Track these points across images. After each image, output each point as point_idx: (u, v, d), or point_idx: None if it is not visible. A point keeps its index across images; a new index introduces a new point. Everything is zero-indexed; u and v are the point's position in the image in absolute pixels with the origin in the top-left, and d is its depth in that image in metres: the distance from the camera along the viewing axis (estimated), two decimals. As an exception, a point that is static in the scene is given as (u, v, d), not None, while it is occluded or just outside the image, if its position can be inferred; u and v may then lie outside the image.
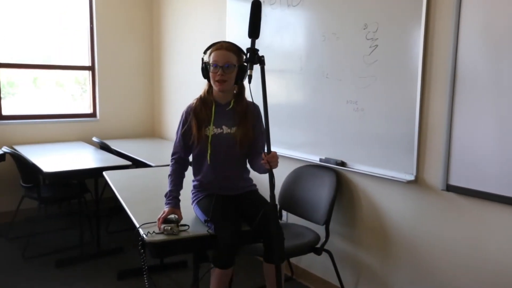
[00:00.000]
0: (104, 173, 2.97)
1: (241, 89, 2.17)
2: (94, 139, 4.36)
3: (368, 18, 2.43)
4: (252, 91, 1.83)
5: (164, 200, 2.06)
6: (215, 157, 2.12)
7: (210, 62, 2.06)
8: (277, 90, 3.00)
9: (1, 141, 4.14)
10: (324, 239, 2.65)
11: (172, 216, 1.95)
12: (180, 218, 1.97)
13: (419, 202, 2.32)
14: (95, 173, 3.30)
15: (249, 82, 1.75)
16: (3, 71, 4.30)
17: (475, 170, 2.01)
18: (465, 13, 1.99)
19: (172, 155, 2.20)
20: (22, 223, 3.94)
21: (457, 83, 2.05)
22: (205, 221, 2.02)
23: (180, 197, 2.10)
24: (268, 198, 2.18)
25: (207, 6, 4.00)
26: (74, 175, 3.44)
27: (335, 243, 2.81)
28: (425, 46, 2.19)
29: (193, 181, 2.24)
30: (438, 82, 2.16)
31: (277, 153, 1.86)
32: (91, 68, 4.75)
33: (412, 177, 2.30)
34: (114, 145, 4.12)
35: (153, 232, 1.88)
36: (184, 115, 2.17)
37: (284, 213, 3.04)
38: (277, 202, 2.88)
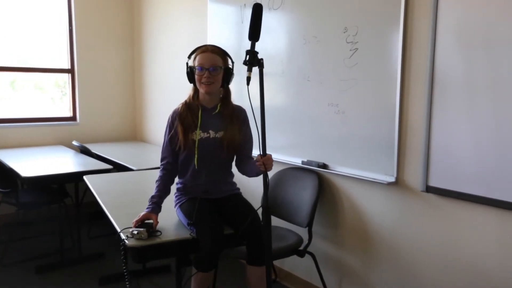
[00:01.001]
0: (84, 177, 2.94)
1: (227, 92, 2.17)
2: (74, 142, 4.29)
3: (348, 22, 2.46)
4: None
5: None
6: (202, 161, 2.11)
7: (196, 65, 2.06)
8: (257, 93, 2.99)
9: (-23, 146, 4.05)
10: (307, 242, 2.66)
11: (150, 221, 1.94)
12: (155, 224, 1.95)
13: (399, 203, 2.36)
14: (75, 177, 3.26)
15: (247, 84, 1.73)
16: (-20, 74, 4.21)
17: (453, 171, 2.05)
18: (441, 16, 2.04)
19: (161, 160, 2.18)
20: (0, 229, 3.86)
21: (435, 86, 2.09)
22: (188, 224, 2.01)
23: (164, 204, 2.08)
24: (251, 202, 2.20)
25: (188, 9, 3.99)
26: (53, 179, 3.38)
27: (318, 245, 2.83)
28: (403, 49, 2.23)
29: (177, 183, 2.23)
30: (417, 84, 2.20)
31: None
32: (71, 71, 4.68)
33: (392, 179, 2.33)
34: (94, 148, 4.07)
35: (126, 236, 1.87)
36: (170, 120, 2.16)
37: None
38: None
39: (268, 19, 2.98)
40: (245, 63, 1.74)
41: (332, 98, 2.59)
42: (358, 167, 2.49)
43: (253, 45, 1.75)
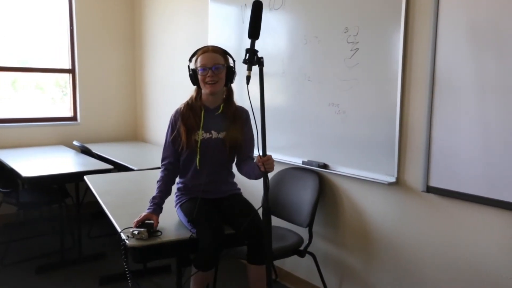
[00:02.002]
0: (85, 177, 2.93)
1: (230, 93, 2.17)
2: (75, 142, 4.29)
3: (349, 22, 2.46)
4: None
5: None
6: (203, 161, 2.11)
7: (198, 66, 2.06)
8: (257, 93, 3.00)
9: (-22, 146, 4.06)
10: (307, 242, 2.66)
11: (151, 221, 1.94)
12: (155, 225, 1.95)
13: (400, 203, 2.36)
14: (76, 177, 3.26)
15: (247, 83, 1.72)
16: (-20, 74, 4.22)
17: (454, 172, 2.05)
18: (443, 15, 2.04)
19: (162, 160, 2.18)
20: (0, 229, 3.86)
21: (436, 85, 2.09)
22: (188, 223, 2.01)
23: (165, 204, 2.08)
24: (252, 202, 2.20)
25: (189, 9, 3.99)
26: (54, 179, 3.38)
27: (318, 245, 2.83)
28: (404, 49, 2.22)
29: (178, 183, 2.23)
30: (418, 84, 2.20)
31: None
32: (72, 71, 4.68)
33: (393, 179, 2.33)
34: (95, 148, 4.07)
35: (127, 236, 1.87)
36: (172, 120, 2.16)
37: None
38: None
39: (268, 19, 2.98)
40: (244, 61, 1.73)
41: (333, 98, 2.59)
42: (359, 167, 2.49)
43: (253, 43, 1.74)
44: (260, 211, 1.87)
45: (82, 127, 4.73)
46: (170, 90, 4.40)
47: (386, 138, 2.33)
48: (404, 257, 2.36)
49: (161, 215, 2.03)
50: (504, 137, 1.86)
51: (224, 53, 2.10)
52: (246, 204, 2.16)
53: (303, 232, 2.71)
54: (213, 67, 2.03)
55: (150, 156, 4.14)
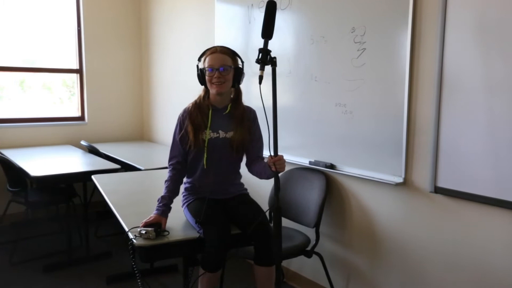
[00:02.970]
0: (92, 176, 2.95)
1: (238, 93, 2.17)
2: (83, 142, 4.32)
3: (356, 22, 2.45)
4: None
5: (156, 204, 2.05)
6: (211, 161, 2.12)
7: (206, 66, 2.06)
8: (266, 93, 3.00)
9: (-13, 145, 4.09)
10: (314, 242, 2.66)
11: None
12: (163, 227, 1.95)
13: (408, 204, 2.34)
14: (84, 177, 3.28)
15: (260, 83, 1.71)
16: (-11, 74, 4.25)
17: (463, 172, 2.03)
18: (451, 14, 2.02)
19: (170, 159, 2.18)
20: (9, 228, 3.90)
21: (444, 85, 2.08)
22: (195, 223, 2.01)
23: (173, 204, 2.08)
24: (258, 202, 2.20)
25: (196, 9, 3.99)
26: (62, 179, 3.40)
27: (325, 246, 2.82)
28: (412, 48, 2.21)
29: (185, 183, 2.23)
30: (425, 84, 2.19)
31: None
32: (79, 71, 4.71)
33: (400, 180, 2.32)
34: (102, 148, 4.09)
35: (134, 235, 1.88)
36: (180, 119, 2.16)
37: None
38: (268, 206, 2.89)
39: (275, 19, 2.97)
40: (257, 61, 1.72)
41: (340, 98, 2.58)
42: (366, 168, 2.48)
43: (266, 43, 1.74)
44: (268, 212, 1.86)
45: (89, 127, 4.76)
46: (176, 90, 4.41)
47: (393, 138, 2.32)
48: (412, 258, 2.35)
49: (168, 214, 2.04)
50: (513, 137, 1.84)
51: (232, 54, 2.10)
52: (254, 205, 2.16)
53: (310, 233, 2.71)
54: (220, 68, 2.03)
55: (157, 156, 4.16)
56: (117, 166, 3.47)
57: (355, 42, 2.46)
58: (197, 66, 2.12)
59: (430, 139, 2.16)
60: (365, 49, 2.41)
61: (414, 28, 2.20)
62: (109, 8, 4.77)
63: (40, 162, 3.61)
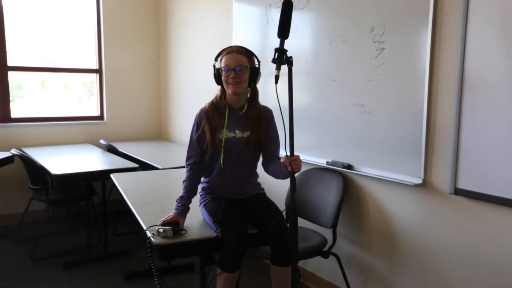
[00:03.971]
0: (111, 175, 2.98)
1: (255, 93, 2.17)
2: (102, 141, 4.38)
3: (375, 21, 2.42)
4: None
5: (175, 203, 2.06)
6: (227, 161, 2.12)
7: (222, 66, 2.07)
8: (284, 93, 2.99)
9: (10, 143, 4.18)
10: (331, 243, 2.64)
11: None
12: (181, 226, 1.96)
13: (427, 205, 2.31)
14: (103, 176, 3.32)
15: (276, 82, 1.71)
16: (12, 74, 4.34)
17: (484, 174, 1.99)
18: (473, 12, 1.98)
19: (187, 159, 2.18)
20: (30, 225, 3.97)
21: (465, 85, 2.04)
22: (213, 223, 2.02)
23: (191, 204, 2.09)
24: (275, 202, 2.19)
25: (214, 9, 4.01)
26: (81, 177, 3.46)
27: (342, 247, 2.80)
28: (432, 47, 2.18)
29: (202, 183, 2.24)
30: (446, 84, 2.15)
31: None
32: (99, 71, 4.78)
33: (419, 181, 2.28)
34: (121, 147, 4.14)
35: (152, 234, 1.89)
36: (197, 118, 2.17)
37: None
38: (285, 206, 2.88)
39: (293, 19, 2.95)
40: (273, 61, 1.72)
41: (358, 98, 2.56)
42: (384, 168, 2.46)
43: (282, 43, 1.73)
44: (285, 212, 1.86)
45: (108, 126, 4.82)
46: (194, 90, 4.43)
47: (412, 138, 2.29)
48: (431, 261, 2.31)
49: (186, 215, 2.05)
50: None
51: (249, 54, 2.10)
52: (271, 205, 2.16)
53: (327, 233, 2.69)
54: (236, 68, 2.03)
55: (174, 155, 4.19)
56: (135, 165, 3.51)
57: (374, 42, 2.43)
58: (214, 65, 2.12)
59: (450, 139, 2.12)
60: (384, 48, 2.39)
61: (435, 26, 2.17)
62: (128, 9, 4.83)
63: (60, 161, 3.67)
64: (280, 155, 2.21)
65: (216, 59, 2.13)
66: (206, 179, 2.22)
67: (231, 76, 2.04)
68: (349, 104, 2.61)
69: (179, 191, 2.10)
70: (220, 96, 2.16)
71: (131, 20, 4.86)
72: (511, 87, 1.87)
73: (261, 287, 3.00)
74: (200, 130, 2.14)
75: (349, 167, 2.66)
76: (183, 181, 2.13)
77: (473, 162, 2.03)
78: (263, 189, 2.29)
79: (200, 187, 2.23)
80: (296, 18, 2.95)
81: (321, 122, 2.83)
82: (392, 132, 2.39)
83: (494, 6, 1.91)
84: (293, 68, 1.75)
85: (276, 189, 2.91)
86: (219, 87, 2.16)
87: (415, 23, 2.24)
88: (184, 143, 4.47)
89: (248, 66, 2.07)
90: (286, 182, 2.43)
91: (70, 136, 4.60)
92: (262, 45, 3.30)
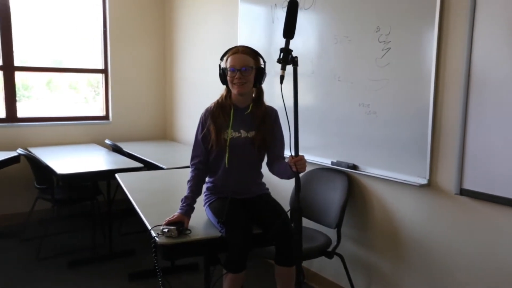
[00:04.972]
0: (116, 175, 2.99)
1: (260, 93, 2.17)
2: (107, 141, 4.40)
3: (381, 21, 2.42)
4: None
5: (179, 203, 2.06)
6: (232, 161, 2.12)
7: (228, 66, 2.07)
8: (289, 93, 2.99)
9: (16, 143, 4.20)
10: (335, 243, 2.64)
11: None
12: (186, 226, 1.96)
13: (432, 206, 2.30)
14: (108, 175, 3.33)
15: (281, 82, 1.70)
16: (18, 74, 4.37)
17: (490, 174, 1.98)
18: (480, 11, 1.97)
19: (192, 159, 2.19)
20: (35, 224, 4.00)
21: (471, 84, 2.03)
22: (218, 223, 2.02)
23: (196, 204, 2.09)
24: (280, 202, 2.19)
25: (219, 10, 4.01)
26: (87, 177, 3.47)
27: (347, 247, 2.79)
28: (438, 48, 2.17)
29: (207, 182, 2.24)
30: (452, 84, 2.14)
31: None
32: (104, 71, 4.80)
33: (425, 181, 2.27)
34: (126, 147, 4.15)
35: (157, 233, 1.90)
36: (202, 118, 2.18)
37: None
38: (289, 205, 2.88)
39: (299, 19, 2.94)
40: (279, 61, 1.72)
41: (363, 98, 2.55)
42: (389, 169, 2.45)
43: (287, 43, 1.73)
44: (289, 213, 1.86)
45: (113, 126, 4.84)
46: (199, 90, 4.44)
47: (418, 138, 2.28)
48: (436, 261, 2.30)
49: (191, 215, 2.05)
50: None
51: (254, 54, 2.10)
52: (275, 205, 2.16)
53: (331, 233, 2.69)
54: (242, 68, 2.03)
55: (179, 155, 4.19)
56: (140, 165, 3.51)
57: (380, 42, 2.43)
58: (219, 65, 2.12)
59: (456, 139, 2.11)
60: (389, 48, 2.38)
61: (441, 25, 2.16)
62: (134, 9, 4.84)
63: (66, 160, 3.69)
64: (285, 155, 2.21)
65: (221, 59, 2.13)
66: (211, 179, 2.22)
67: (236, 76, 2.04)
68: (355, 104, 2.61)
69: (184, 191, 2.11)
70: (226, 96, 2.16)
71: (137, 20, 4.88)
72: (518, 87, 1.86)
73: (266, 287, 2.99)
74: (205, 130, 2.14)
75: (354, 167, 2.65)
76: (188, 181, 2.13)
77: (479, 162, 2.02)
78: (267, 189, 2.29)
79: (204, 187, 2.23)
80: (302, 18, 2.95)
81: (326, 122, 2.82)
82: (397, 132, 2.39)
83: (501, 5, 1.90)
84: (299, 68, 1.75)
85: (281, 189, 2.91)
86: (224, 86, 2.16)
87: (421, 23, 2.23)
88: (189, 143, 4.48)
89: (254, 67, 2.07)
90: (291, 182, 2.43)
91: (75, 136, 4.62)
92: (268, 45, 3.29)
